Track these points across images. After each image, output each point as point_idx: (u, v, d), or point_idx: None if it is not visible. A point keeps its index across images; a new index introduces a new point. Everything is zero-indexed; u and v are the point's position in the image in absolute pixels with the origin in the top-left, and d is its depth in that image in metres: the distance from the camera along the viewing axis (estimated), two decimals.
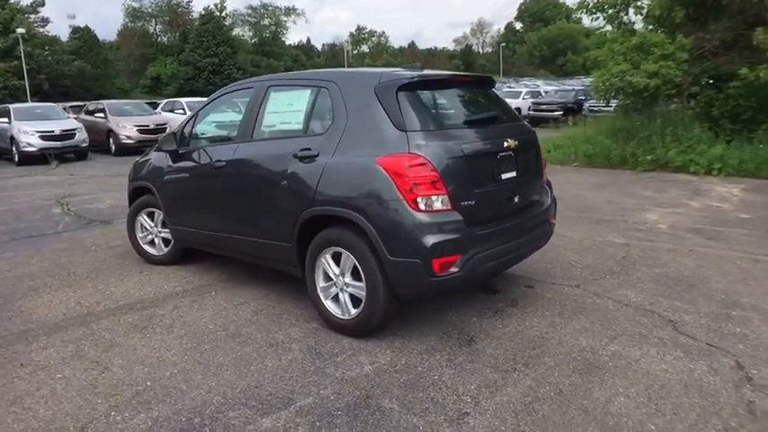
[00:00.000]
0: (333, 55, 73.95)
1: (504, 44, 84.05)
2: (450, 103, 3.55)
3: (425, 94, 3.39)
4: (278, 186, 3.66)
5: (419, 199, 3.04)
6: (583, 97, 21.20)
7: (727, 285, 4.18)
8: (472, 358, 3.16)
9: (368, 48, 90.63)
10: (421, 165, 3.06)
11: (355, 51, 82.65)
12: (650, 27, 11.42)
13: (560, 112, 20.07)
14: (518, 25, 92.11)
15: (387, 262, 3.12)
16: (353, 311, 3.39)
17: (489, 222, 3.34)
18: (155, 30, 57.20)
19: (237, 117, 4.23)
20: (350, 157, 3.28)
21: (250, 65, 50.50)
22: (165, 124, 14.91)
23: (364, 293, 3.28)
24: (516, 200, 3.61)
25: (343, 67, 60.66)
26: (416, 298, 3.57)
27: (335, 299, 3.52)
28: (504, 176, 3.50)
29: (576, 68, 63.07)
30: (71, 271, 5.02)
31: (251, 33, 60.55)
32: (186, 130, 4.62)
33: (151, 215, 5.13)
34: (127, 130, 14.65)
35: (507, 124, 3.76)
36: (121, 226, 6.71)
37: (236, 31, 56.54)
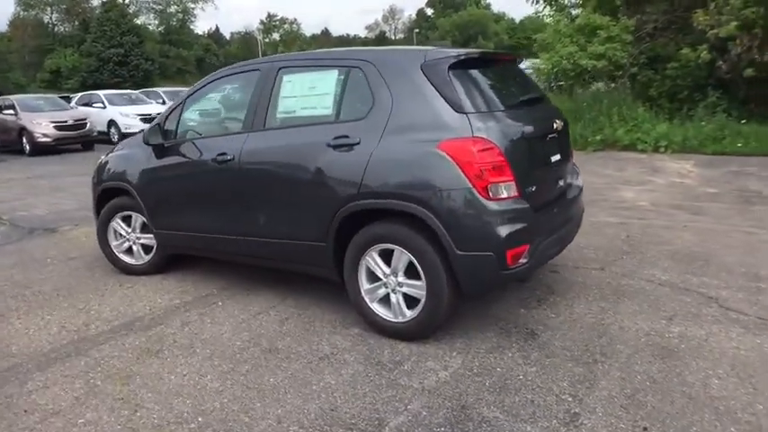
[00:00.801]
0: (245, 43, 71.33)
1: (417, 30, 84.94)
2: (495, 82, 3.31)
3: (475, 73, 3.14)
4: (307, 180, 3.27)
5: (490, 186, 2.80)
6: None
7: (738, 259, 4.29)
8: (546, 353, 2.98)
9: (279, 36, 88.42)
10: (488, 149, 2.82)
11: (267, 40, 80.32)
12: (581, 9, 11.77)
13: None
14: (429, 11, 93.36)
15: (455, 257, 2.85)
16: (408, 313, 3.10)
17: (545, 208, 3.17)
18: (50, 19, 52.23)
19: (240, 104, 3.76)
20: (402, 143, 2.96)
21: (158, 55, 47.41)
22: (84, 119, 13.50)
23: (424, 293, 3.00)
24: (561, 183, 3.47)
25: (258, 55, 58.66)
26: (484, 293, 3.35)
27: (384, 300, 3.21)
28: (553, 159, 3.34)
29: None
30: (35, 290, 4.31)
31: (157, 22, 56.90)
32: (171, 121, 4.06)
33: (127, 219, 4.50)
34: (42, 127, 13.05)
35: (547, 105, 3.60)
36: (71, 233, 6.00)
37: (142, 20, 52.90)
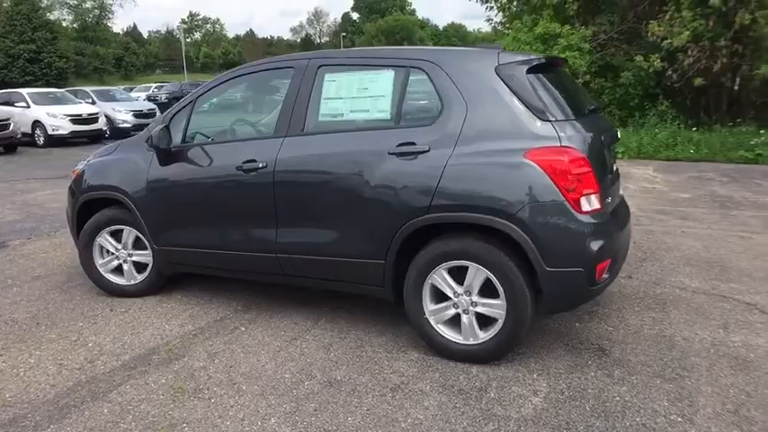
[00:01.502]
0: (167, 43, 68.02)
1: (343, 34, 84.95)
2: (561, 89, 3.12)
3: (544, 79, 2.94)
4: (364, 191, 2.94)
5: (581, 198, 2.63)
6: None
7: (750, 263, 4.40)
8: (628, 370, 2.85)
9: (200, 35, 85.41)
10: (578, 159, 2.65)
11: (188, 39, 77.26)
12: (535, 17, 12.04)
13: None
14: (355, 15, 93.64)
15: (543, 274, 2.65)
16: (482, 335, 2.87)
17: (613, 219, 3.05)
18: None
19: (269, 105, 3.38)
20: (482, 152, 2.73)
21: (74, 52, 44.10)
22: (7, 120, 12.08)
23: (502, 312, 2.78)
24: (618, 194, 3.38)
25: (182, 54, 56.13)
26: (566, 311, 3.17)
27: (451, 321, 2.95)
28: (614, 168, 3.24)
29: None
30: (6, 318, 3.68)
31: (71, 18, 53.05)
32: (178, 123, 3.59)
33: (116, 234, 3.95)
34: None
35: (602, 114, 3.50)
36: (25, 248, 5.29)
37: (56, 15, 49.13)
